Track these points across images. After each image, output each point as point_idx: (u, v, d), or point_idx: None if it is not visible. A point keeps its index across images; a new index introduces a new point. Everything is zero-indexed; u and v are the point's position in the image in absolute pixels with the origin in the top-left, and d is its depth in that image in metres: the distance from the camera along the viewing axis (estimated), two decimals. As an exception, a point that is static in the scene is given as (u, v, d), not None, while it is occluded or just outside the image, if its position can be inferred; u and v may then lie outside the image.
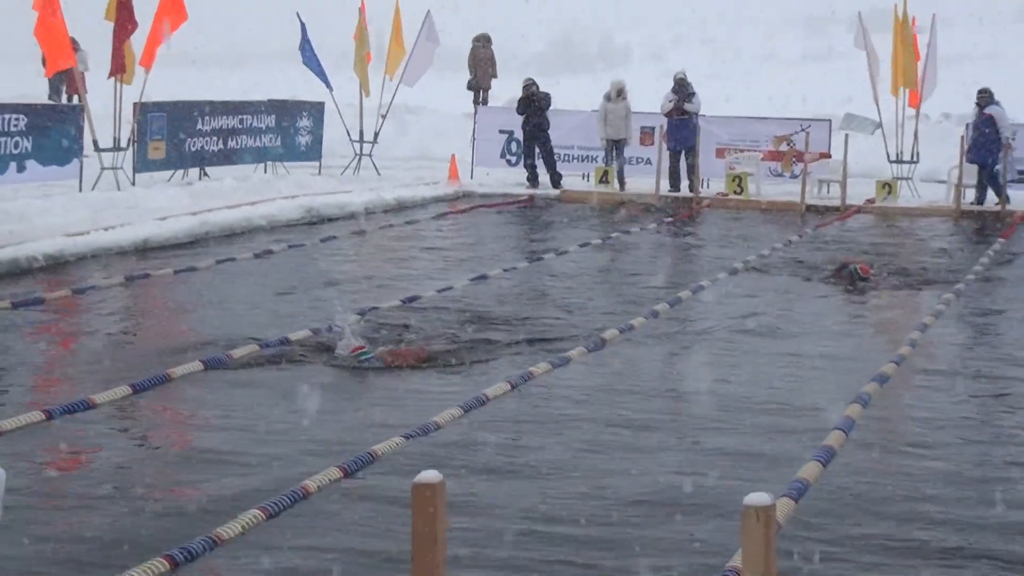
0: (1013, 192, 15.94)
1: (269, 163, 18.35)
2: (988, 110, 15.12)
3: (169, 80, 18.10)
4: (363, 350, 7.27)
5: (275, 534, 4.43)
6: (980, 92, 15.65)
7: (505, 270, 11.22)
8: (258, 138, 18.37)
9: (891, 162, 17.69)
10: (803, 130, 17.60)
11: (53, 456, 5.55)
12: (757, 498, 2.88)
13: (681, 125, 17.14)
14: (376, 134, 18.97)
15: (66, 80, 19.72)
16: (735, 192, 16.97)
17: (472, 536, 4.43)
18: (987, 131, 15.29)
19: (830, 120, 18.86)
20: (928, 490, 5.14)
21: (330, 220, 15.14)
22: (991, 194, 15.66)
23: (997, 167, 15.45)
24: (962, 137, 16.19)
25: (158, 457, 5.58)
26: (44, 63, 17.27)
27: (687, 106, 17.20)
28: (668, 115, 17.36)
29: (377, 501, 4.80)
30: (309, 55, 18.01)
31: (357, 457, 5.08)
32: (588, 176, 18.78)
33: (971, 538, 4.68)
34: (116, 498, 4.92)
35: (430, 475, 2.93)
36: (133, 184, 15.91)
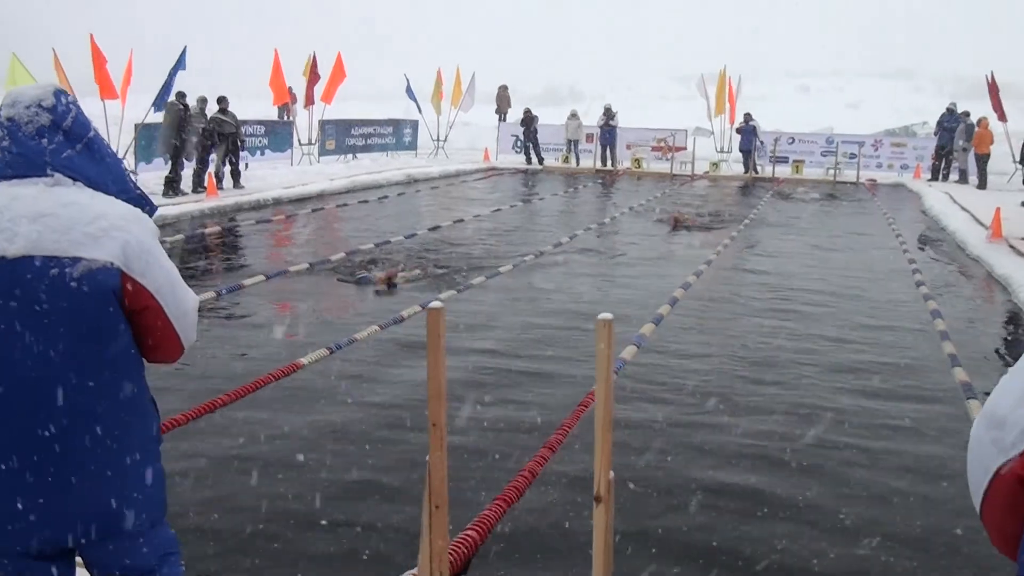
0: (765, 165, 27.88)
1: (389, 151, 30.07)
2: (751, 123, 28.23)
3: (336, 108, 28.05)
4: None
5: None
6: (745, 115, 27.59)
7: (511, 206, 19.18)
8: (383, 138, 29.93)
9: (717, 151, 29.74)
10: (672, 135, 29.49)
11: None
12: (603, 316, 3.43)
13: (607, 131, 29.12)
14: (446, 136, 31.10)
15: (287, 108, 28.84)
16: (636, 167, 29.05)
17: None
18: (750, 136, 27.26)
19: (687, 129, 29.92)
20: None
21: (419, 181, 24.76)
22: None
23: (753, 152, 27.42)
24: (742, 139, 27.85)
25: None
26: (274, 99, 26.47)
27: (611, 122, 29.12)
28: (602, 127, 29.25)
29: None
30: (411, 95, 30.12)
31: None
32: (557, 159, 30.41)
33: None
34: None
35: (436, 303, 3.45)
36: (318, 162, 26.29)
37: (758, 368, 8.10)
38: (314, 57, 26.19)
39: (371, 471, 5.66)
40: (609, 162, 29.43)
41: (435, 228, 15.93)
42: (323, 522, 5.04)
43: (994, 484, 1.34)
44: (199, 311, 2.79)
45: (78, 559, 2.70)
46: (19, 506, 2.46)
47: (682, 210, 18.18)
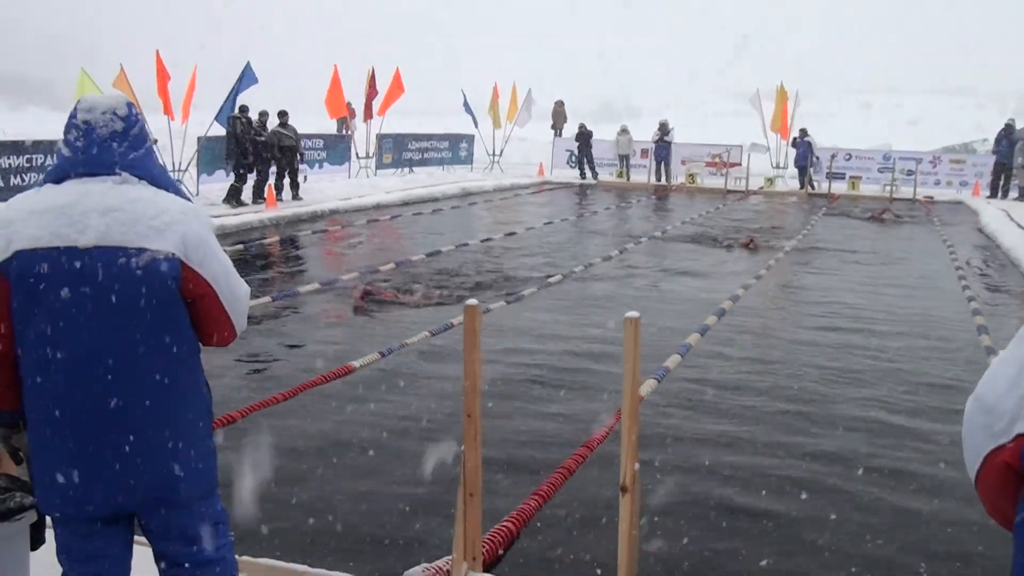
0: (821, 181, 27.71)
1: (445, 165, 30.52)
2: (806, 139, 27.95)
3: (393, 122, 28.68)
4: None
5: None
6: (801, 130, 27.50)
7: (563, 220, 19.49)
8: (439, 152, 30.37)
9: (772, 167, 29.67)
10: (727, 151, 29.53)
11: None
12: (631, 314, 3.63)
13: (662, 147, 29.13)
14: (502, 151, 31.36)
15: (345, 122, 28.41)
16: (690, 183, 28.99)
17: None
18: (805, 151, 27.21)
19: (742, 145, 30.05)
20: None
21: (473, 194, 24.99)
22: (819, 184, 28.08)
23: (809, 168, 27.35)
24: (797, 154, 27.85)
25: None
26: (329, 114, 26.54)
27: (666, 137, 29.11)
28: (656, 142, 29.22)
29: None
30: (468, 110, 30.10)
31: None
32: (611, 174, 30.56)
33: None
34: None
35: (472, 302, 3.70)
36: (375, 175, 26.82)
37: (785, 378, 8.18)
38: (372, 72, 26.62)
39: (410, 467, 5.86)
40: (664, 177, 29.38)
41: (486, 240, 16.18)
42: (363, 506, 5.25)
43: (985, 467, 1.45)
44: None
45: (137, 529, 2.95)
46: (86, 474, 2.72)
47: (728, 226, 18.21)
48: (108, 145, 2.74)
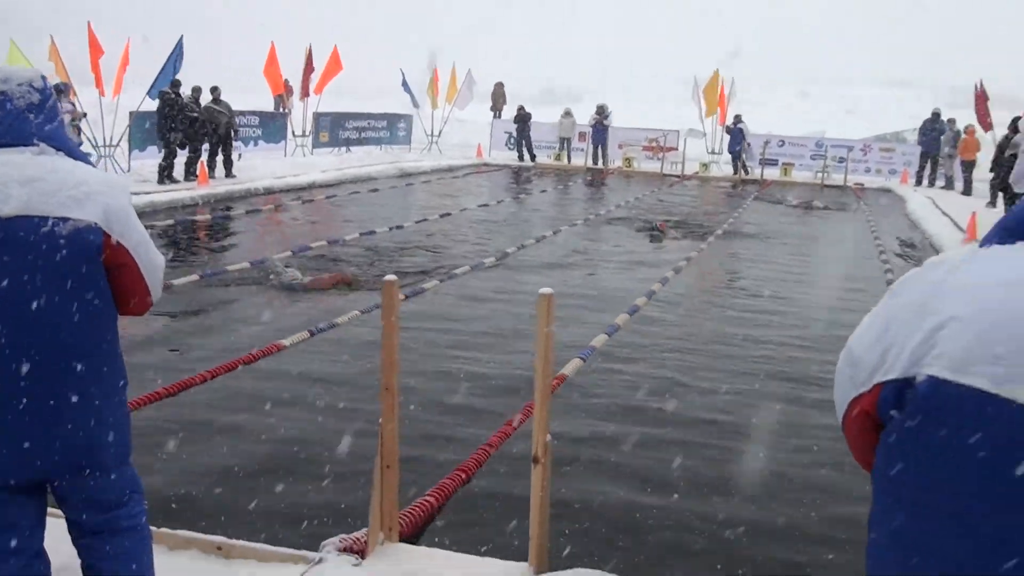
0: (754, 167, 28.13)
1: (383, 145, 30.31)
2: (739, 125, 28.27)
3: (331, 101, 28.67)
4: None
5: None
6: (735, 116, 27.90)
7: (498, 201, 19.63)
8: (377, 132, 30.12)
9: (708, 152, 30.03)
10: (664, 135, 29.82)
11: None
12: (544, 290, 3.76)
13: (600, 130, 29.24)
14: (440, 132, 31.32)
15: (283, 100, 27.77)
16: (627, 166, 29.33)
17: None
18: (738, 137, 27.51)
19: (678, 130, 30.00)
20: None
21: (410, 175, 24.90)
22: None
23: (742, 154, 27.80)
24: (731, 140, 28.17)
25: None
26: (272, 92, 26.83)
27: (605, 121, 29.26)
28: (593, 125, 29.34)
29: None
30: (407, 89, 30.20)
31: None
32: (549, 156, 30.60)
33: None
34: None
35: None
36: (312, 154, 26.36)
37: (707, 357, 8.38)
38: (310, 49, 26.40)
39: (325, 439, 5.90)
40: (600, 161, 29.55)
41: (421, 220, 16.19)
42: (278, 488, 5.29)
43: (847, 415, 1.55)
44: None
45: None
46: (6, 439, 2.72)
47: (656, 214, 18.09)
48: (25, 116, 2.76)
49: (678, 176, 27.94)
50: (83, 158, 2.93)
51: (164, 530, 4.15)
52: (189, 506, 4.94)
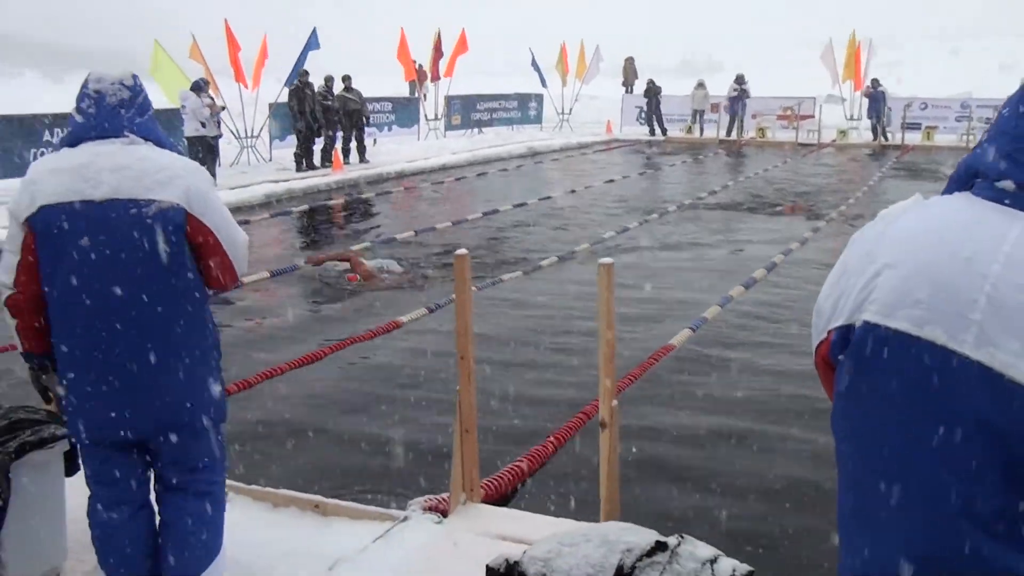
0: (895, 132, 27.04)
1: (514, 125, 30.54)
2: (879, 89, 27.47)
3: (462, 83, 29.15)
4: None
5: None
6: (873, 80, 27.11)
7: (624, 177, 19.75)
8: (508, 112, 30.45)
9: (847, 119, 29.24)
10: (799, 103, 28.97)
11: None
12: (604, 260, 3.86)
13: (737, 100, 28.56)
14: (571, 109, 31.40)
15: (416, 85, 28.97)
16: (760, 137, 28.62)
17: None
18: (878, 102, 26.72)
19: (815, 97, 29.29)
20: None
21: (540, 153, 25.26)
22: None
23: (882, 119, 26.81)
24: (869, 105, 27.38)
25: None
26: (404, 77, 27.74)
27: (744, 87, 28.51)
28: (731, 96, 28.55)
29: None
30: (536, 68, 30.14)
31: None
32: (680, 129, 30.17)
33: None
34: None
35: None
36: (444, 137, 27.08)
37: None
38: (439, 33, 26.86)
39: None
40: (735, 132, 29.03)
41: (546, 198, 16.42)
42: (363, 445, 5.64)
43: (815, 361, 1.64)
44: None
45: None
46: (106, 405, 3.10)
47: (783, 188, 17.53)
48: (117, 111, 3.11)
49: (814, 145, 27.21)
50: (171, 146, 3.25)
51: (268, 488, 4.54)
52: (289, 468, 5.33)
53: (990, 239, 1.35)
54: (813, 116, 28.94)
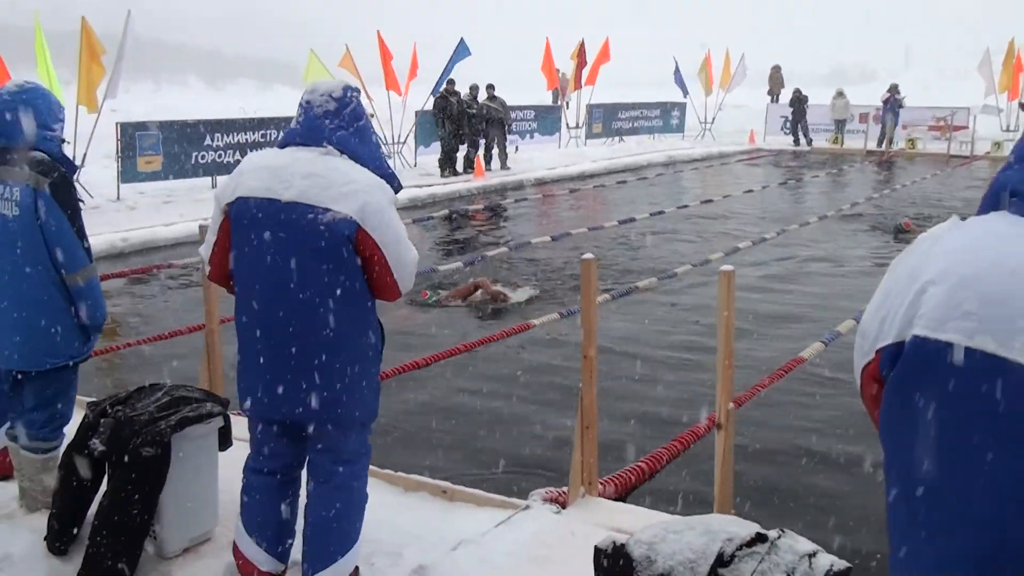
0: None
1: (655, 134, 30.36)
2: None
3: (608, 91, 29.42)
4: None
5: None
6: None
7: (763, 187, 19.80)
8: (649, 121, 30.44)
9: (1003, 130, 28.13)
10: (952, 113, 27.93)
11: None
12: (727, 267, 3.98)
13: (890, 110, 27.56)
14: (714, 118, 31.10)
15: (559, 93, 28.41)
16: (910, 148, 27.87)
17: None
18: None
19: (968, 108, 28.09)
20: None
21: (680, 163, 25.33)
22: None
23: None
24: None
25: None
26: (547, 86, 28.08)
27: (898, 96, 27.57)
28: (885, 102, 27.60)
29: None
30: (678, 80, 30.13)
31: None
32: (827, 139, 29.54)
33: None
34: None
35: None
36: (585, 145, 26.95)
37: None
38: (582, 43, 27.03)
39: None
40: (884, 143, 28.17)
41: (683, 207, 16.42)
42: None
43: (861, 382, 1.71)
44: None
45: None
46: (271, 387, 3.40)
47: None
48: (320, 122, 3.36)
49: (966, 157, 26.18)
50: (373, 161, 3.41)
51: (400, 474, 4.84)
52: (423, 456, 5.65)
53: None
54: (967, 127, 27.90)
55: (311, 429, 3.47)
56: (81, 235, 4.04)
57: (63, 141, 4.21)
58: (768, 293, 10.07)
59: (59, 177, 4.00)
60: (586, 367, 4.49)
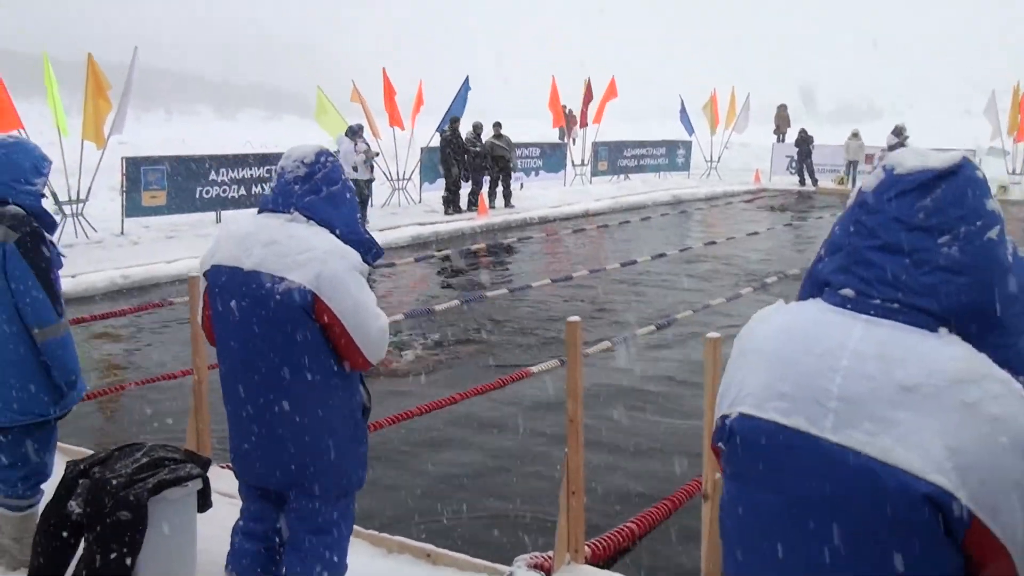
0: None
1: (661, 172, 30.40)
2: None
3: (613, 128, 30.13)
4: None
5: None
6: None
7: (769, 229, 19.55)
8: (655, 159, 30.46)
9: (1008, 173, 27.85)
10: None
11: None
12: (713, 334, 3.99)
13: (893, 152, 28.79)
14: (719, 157, 31.23)
15: (565, 131, 29.41)
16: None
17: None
18: None
19: (974, 149, 26.95)
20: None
21: (684, 202, 25.48)
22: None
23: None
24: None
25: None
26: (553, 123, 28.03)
27: (901, 139, 26.94)
28: (890, 147, 27.49)
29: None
30: (684, 119, 30.30)
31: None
32: (832, 180, 29.45)
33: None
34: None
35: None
36: (590, 182, 27.29)
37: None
38: (589, 81, 27.17)
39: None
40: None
41: (685, 250, 16.39)
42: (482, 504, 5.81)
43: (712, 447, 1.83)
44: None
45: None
46: (249, 450, 3.38)
47: None
48: (290, 187, 3.32)
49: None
50: (343, 226, 3.32)
51: (384, 535, 4.77)
52: (403, 519, 5.58)
53: (838, 338, 1.57)
54: None
55: (289, 497, 3.42)
56: (51, 291, 3.98)
57: (42, 196, 4.17)
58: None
59: (29, 232, 3.95)
60: (572, 431, 4.44)
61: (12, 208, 3.99)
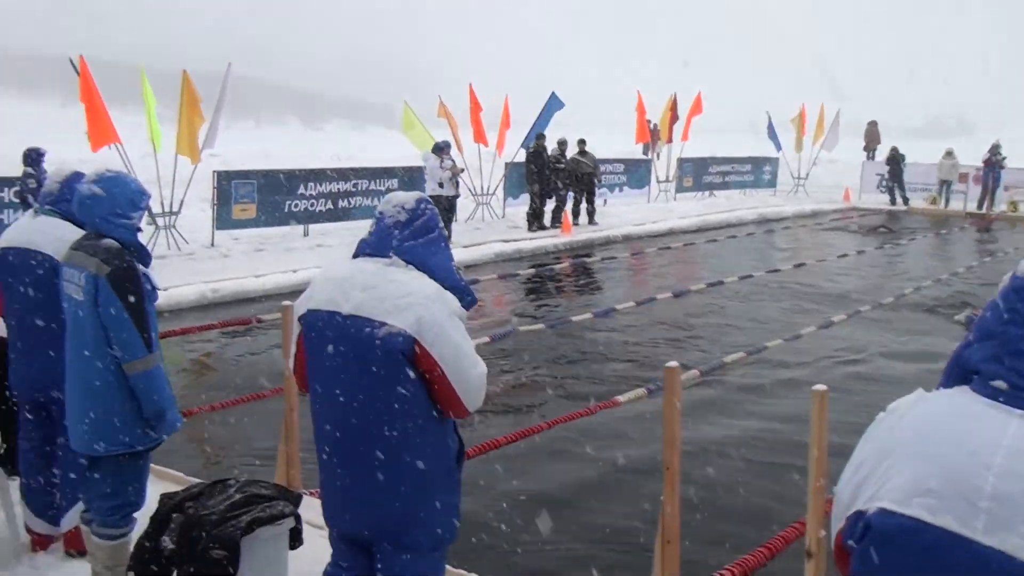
0: None
1: (746, 189, 30.01)
2: None
3: (701, 143, 29.68)
4: None
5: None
6: None
7: (860, 252, 18.94)
8: (741, 176, 30.09)
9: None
10: (1061, 176, 26.99)
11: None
12: (819, 387, 3.89)
13: (990, 171, 26.90)
14: (807, 174, 30.64)
15: (649, 146, 28.97)
16: (1011, 211, 26.97)
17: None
18: None
19: None
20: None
21: (771, 220, 24.94)
22: None
23: None
24: None
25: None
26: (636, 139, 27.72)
27: (997, 158, 26.78)
28: (985, 163, 26.93)
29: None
30: (772, 135, 29.62)
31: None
32: (924, 199, 28.72)
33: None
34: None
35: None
36: (675, 199, 27.24)
37: None
38: (674, 97, 26.88)
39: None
40: (986, 205, 27.31)
41: (773, 271, 16.06)
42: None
43: (835, 544, 1.72)
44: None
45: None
46: (338, 497, 3.31)
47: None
48: (390, 232, 3.28)
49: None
50: (441, 272, 3.26)
51: (460, 571, 4.70)
52: (491, 555, 5.49)
53: (990, 433, 1.50)
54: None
55: (377, 548, 3.32)
56: (141, 324, 3.98)
57: (138, 229, 4.21)
58: (859, 395, 9.62)
59: (121, 265, 3.97)
60: (668, 478, 4.30)
61: (107, 241, 4.02)
